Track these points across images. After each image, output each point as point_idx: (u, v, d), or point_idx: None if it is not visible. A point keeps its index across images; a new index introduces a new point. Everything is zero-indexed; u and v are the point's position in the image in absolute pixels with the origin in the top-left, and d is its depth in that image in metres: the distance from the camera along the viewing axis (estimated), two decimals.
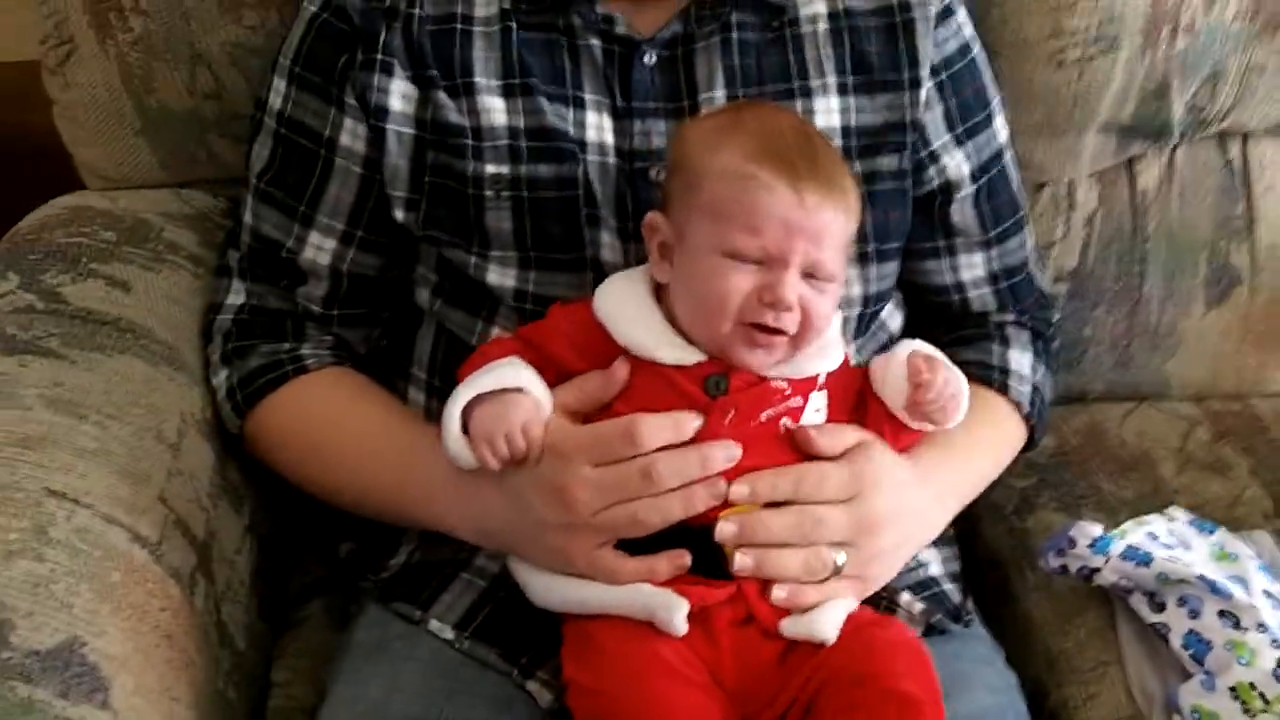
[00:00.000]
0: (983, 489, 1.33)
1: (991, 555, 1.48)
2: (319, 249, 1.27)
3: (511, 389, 1.09)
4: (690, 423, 1.07)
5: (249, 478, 1.34)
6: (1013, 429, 1.34)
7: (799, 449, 1.10)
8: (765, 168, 1.07)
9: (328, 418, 1.26)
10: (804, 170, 1.07)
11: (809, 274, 1.07)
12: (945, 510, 1.25)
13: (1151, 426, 1.61)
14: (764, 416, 1.09)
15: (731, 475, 1.06)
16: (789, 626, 1.06)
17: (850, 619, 1.08)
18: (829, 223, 1.07)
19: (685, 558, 1.06)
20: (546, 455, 1.08)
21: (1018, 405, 1.32)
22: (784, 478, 1.08)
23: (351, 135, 1.23)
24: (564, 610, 1.11)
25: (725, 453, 1.07)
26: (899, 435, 1.15)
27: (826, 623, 1.06)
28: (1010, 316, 1.37)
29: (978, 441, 1.27)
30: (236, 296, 1.30)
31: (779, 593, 1.07)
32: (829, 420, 1.13)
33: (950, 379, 1.12)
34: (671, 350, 1.09)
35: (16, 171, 1.66)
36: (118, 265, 1.35)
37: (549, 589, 1.11)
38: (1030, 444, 1.37)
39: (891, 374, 1.13)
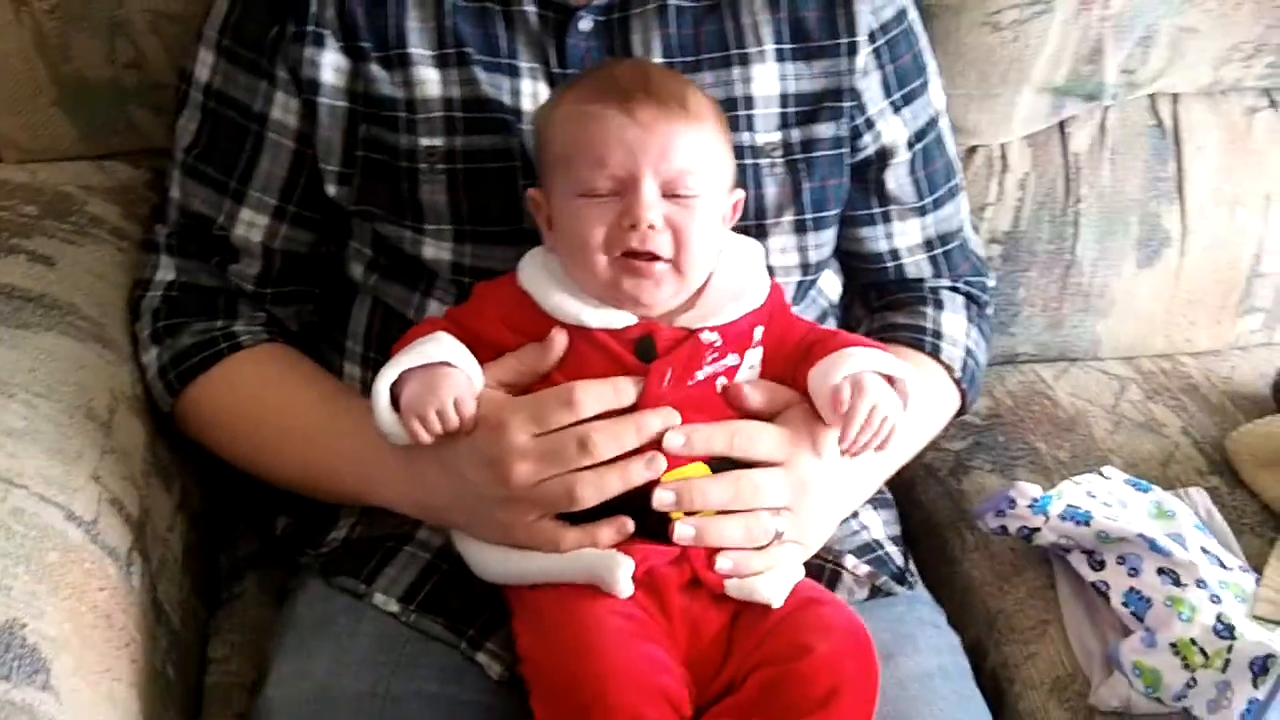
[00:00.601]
0: (915, 452, 1.35)
1: (929, 518, 1.49)
2: (251, 225, 1.24)
3: (439, 363, 1.07)
4: (629, 387, 1.07)
5: (179, 454, 1.32)
6: (946, 392, 1.35)
7: (733, 406, 1.10)
8: (596, 102, 1.08)
9: (261, 396, 1.24)
10: (636, 93, 1.08)
11: (670, 194, 1.07)
12: (878, 473, 1.27)
13: (1084, 387, 1.62)
14: (700, 376, 1.09)
15: None
16: (734, 587, 1.06)
17: (796, 591, 1.08)
18: (671, 135, 1.07)
19: (629, 525, 1.05)
20: (481, 427, 1.07)
21: (949, 368, 1.33)
22: (719, 431, 1.08)
23: (283, 109, 1.21)
24: (508, 582, 1.10)
25: (663, 419, 1.06)
26: None
27: (771, 585, 1.06)
28: (945, 282, 1.38)
29: (918, 409, 1.27)
30: (166, 273, 1.27)
31: (723, 562, 1.07)
32: (763, 379, 1.14)
33: (880, 408, 1.09)
34: (597, 314, 1.08)
35: None
36: (40, 240, 1.33)
37: (492, 561, 1.10)
38: (963, 408, 1.38)
39: (821, 393, 1.11)
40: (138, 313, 1.28)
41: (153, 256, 1.29)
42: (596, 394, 1.06)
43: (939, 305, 1.36)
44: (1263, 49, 1.58)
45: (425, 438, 1.06)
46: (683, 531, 1.06)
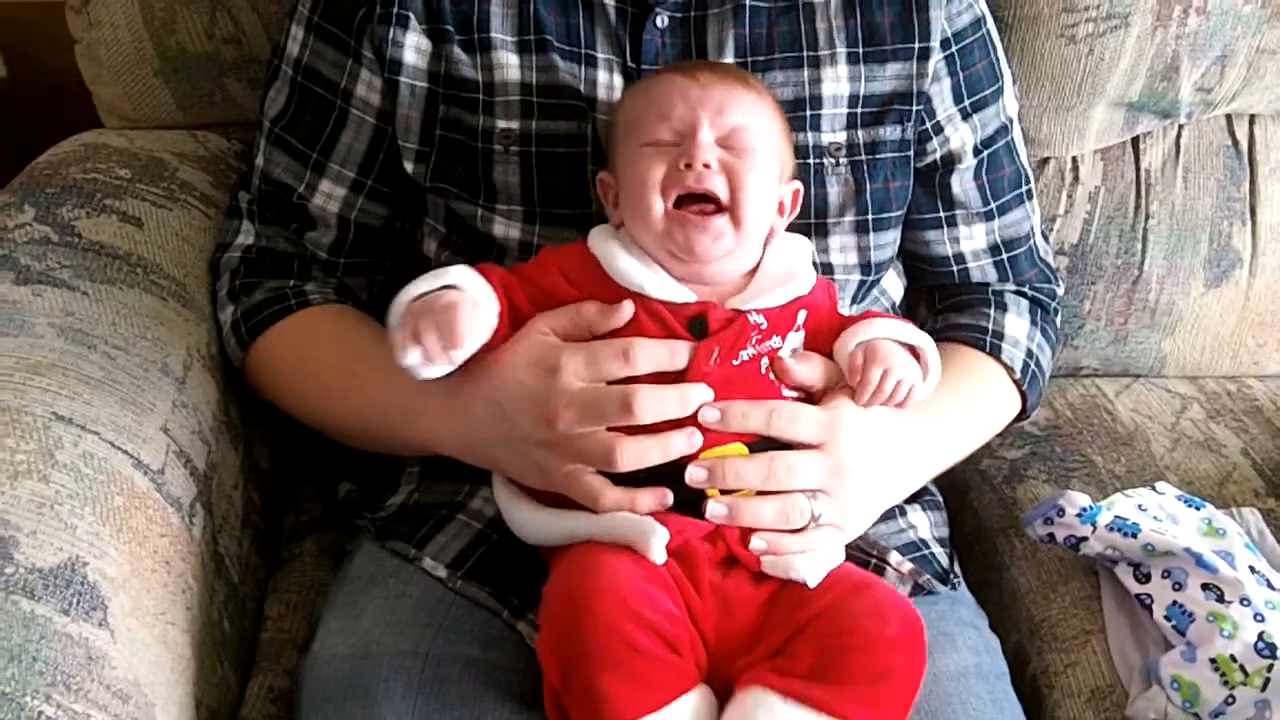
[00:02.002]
0: (970, 450, 1.34)
1: (980, 524, 1.50)
2: (329, 196, 1.29)
3: (449, 285, 1.09)
4: (683, 351, 1.09)
5: (250, 415, 1.36)
6: (1004, 393, 1.35)
7: (780, 380, 1.12)
8: (664, 74, 1.16)
9: (325, 346, 1.27)
10: (697, 65, 1.18)
11: (726, 145, 1.11)
12: (927, 465, 1.27)
13: (1145, 403, 1.62)
14: (745, 356, 1.11)
15: None
16: (769, 564, 1.08)
17: (848, 575, 1.09)
18: (728, 92, 1.13)
19: (668, 497, 1.07)
20: (533, 367, 1.09)
21: (1009, 369, 1.34)
22: (756, 409, 1.09)
23: (367, 87, 1.25)
24: (547, 543, 1.12)
25: (701, 395, 1.08)
26: None
27: (808, 564, 1.07)
28: (1010, 286, 1.39)
29: (967, 402, 1.29)
30: (246, 237, 1.32)
31: (758, 542, 1.08)
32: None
33: (893, 372, 1.11)
34: (658, 285, 1.11)
35: (39, 110, 1.68)
36: (131, 201, 1.38)
37: (531, 522, 1.13)
38: (1024, 412, 1.38)
39: (841, 361, 1.14)
40: (217, 272, 1.33)
41: (235, 221, 1.34)
42: (652, 352, 1.08)
43: (1002, 307, 1.37)
44: None
45: (412, 351, 1.07)
46: (715, 510, 1.07)
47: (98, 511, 1.08)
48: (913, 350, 1.14)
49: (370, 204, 1.29)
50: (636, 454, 1.06)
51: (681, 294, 1.11)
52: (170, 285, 1.31)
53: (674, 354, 1.08)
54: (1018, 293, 1.39)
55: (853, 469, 1.12)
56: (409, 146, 1.25)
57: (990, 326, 1.34)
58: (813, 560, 1.08)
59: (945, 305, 1.39)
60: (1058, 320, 1.45)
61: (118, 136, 1.50)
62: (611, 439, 1.06)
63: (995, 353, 1.34)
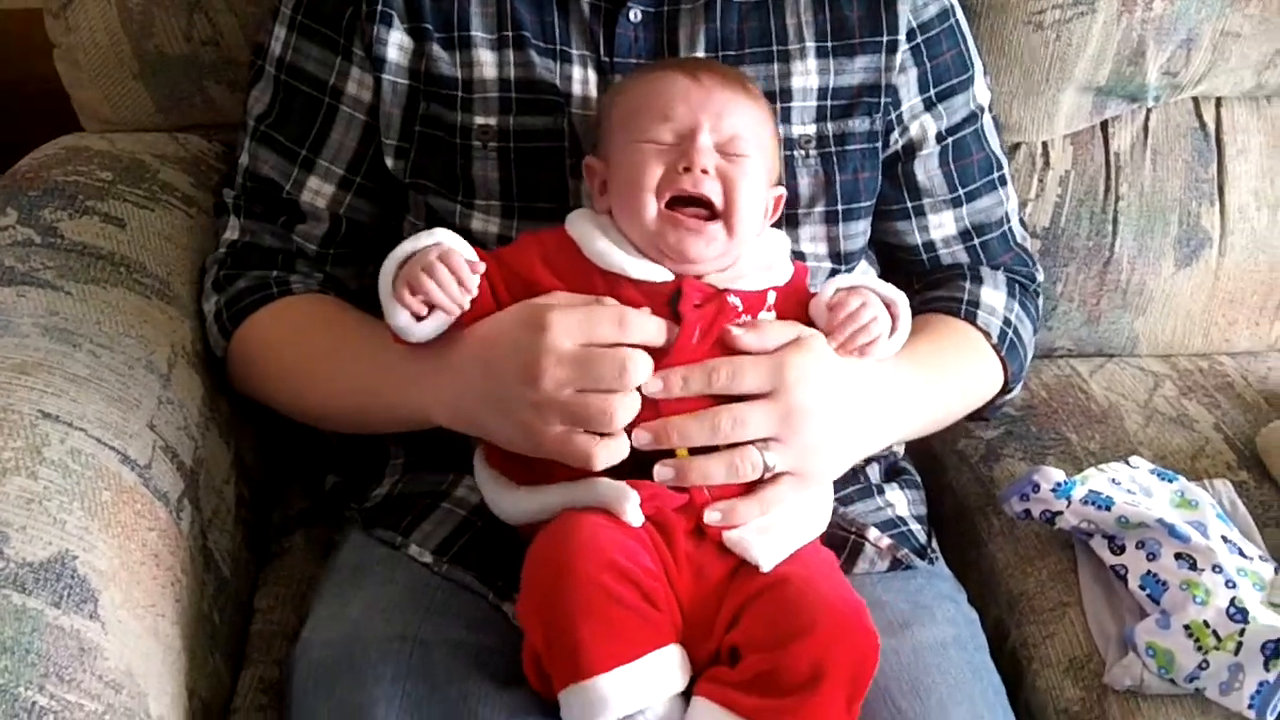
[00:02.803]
0: (951, 410, 1.34)
1: (959, 503, 1.52)
2: (317, 193, 1.30)
3: (434, 244, 1.11)
4: (668, 330, 1.10)
5: (237, 412, 1.38)
6: (983, 356, 1.35)
7: (727, 349, 1.12)
8: (664, 70, 1.17)
9: (308, 328, 1.28)
10: (699, 65, 1.18)
11: (724, 152, 1.13)
12: (901, 416, 1.25)
13: (1119, 382, 1.64)
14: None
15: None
16: (730, 540, 1.10)
17: (795, 559, 1.11)
18: (729, 99, 1.14)
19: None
20: (524, 324, 1.09)
21: (986, 334, 1.34)
22: (695, 371, 1.09)
23: (358, 84, 1.27)
24: (526, 521, 1.14)
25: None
26: None
27: (763, 546, 1.09)
28: (984, 268, 1.41)
29: (943, 359, 1.30)
30: (231, 232, 1.34)
31: (711, 515, 1.09)
32: None
33: (870, 307, 1.14)
34: (638, 266, 1.12)
35: (20, 117, 1.69)
36: (113, 203, 1.39)
37: (510, 500, 1.15)
38: (1007, 384, 1.39)
39: (818, 311, 1.16)
40: (205, 267, 1.35)
41: (223, 218, 1.35)
42: (642, 324, 1.09)
43: (978, 281, 1.38)
44: None
45: (417, 306, 1.09)
46: (661, 473, 1.08)
47: (86, 506, 1.10)
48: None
49: (358, 200, 1.31)
50: (629, 410, 1.07)
51: (660, 273, 1.13)
52: (153, 283, 1.33)
53: (660, 332, 1.09)
54: (993, 268, 1.41)
55: (807, 412, 1.11)
56: (389, 143, 1.27)
57: (965, 297, 1.35)
58: (769, 542, 1.10)
59: (921, 286, 1.41)
60: (1039, 302, 1.46)
61: (99, 139, 1.52)
62: (609, 398, 1.06)
63: (971, 319, 1.34)
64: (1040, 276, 1.47)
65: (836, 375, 1.13)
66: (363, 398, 1.23)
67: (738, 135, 1.14)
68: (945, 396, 1.31)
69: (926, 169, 1.35)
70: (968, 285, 1.37)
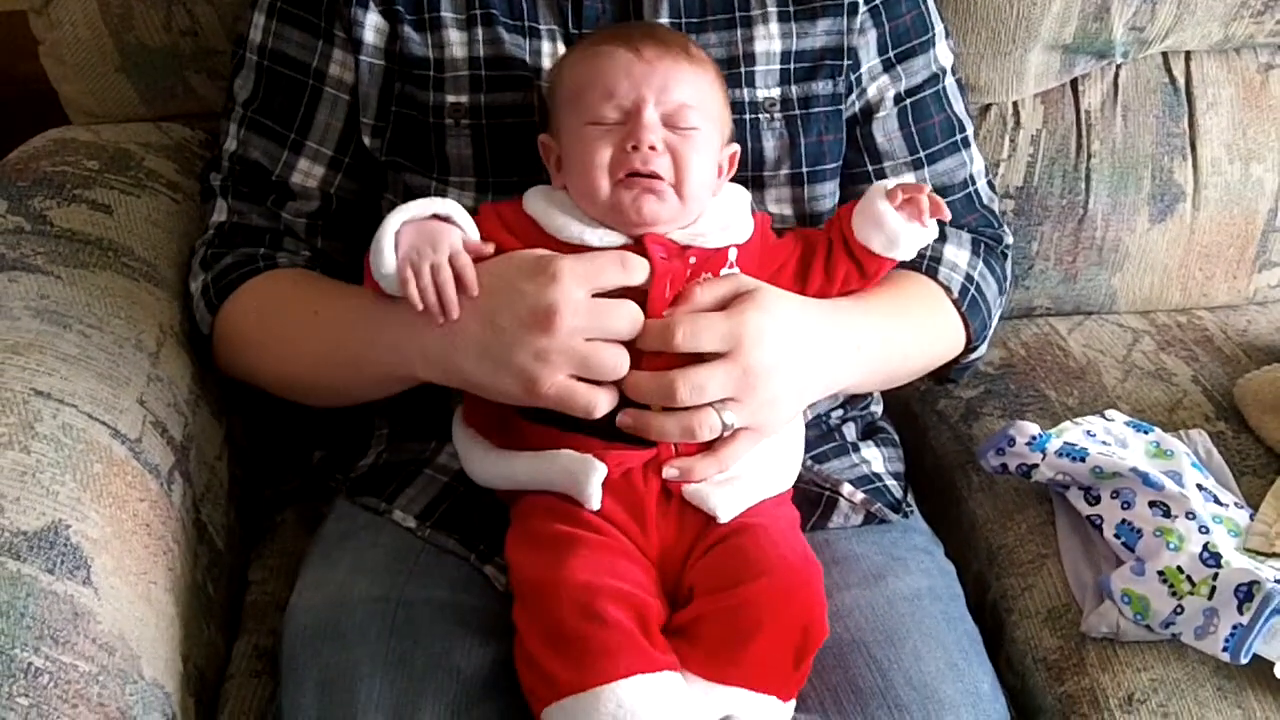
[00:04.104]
0: (907, 358, 1.33)
1: (938, 461, 1.55)
2: (307, 174, 1.33)
3: (441, 215, 1.13)
4: (645, 268, 1.12)
5: (228, 391, 1.41)
6: (943, 311, 1.35)
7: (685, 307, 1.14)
8: (605, 44, 1.17)
9: (289, 297, 1.30)
10: (640, 37, 1.17)
11: (671, 125, 1.15)
12: (858, 361, 1.24)
13: (1097, 338, 1.66)
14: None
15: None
16: (689, 493, 1.13)
17: (753, 512, 1.14)
18: (672, 70, 1.15)
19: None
20: (531, 276, 1.09)
21: (946, 289, 1.35)
22: (653, 326, 1.11)
23: (341, 66, 1.30)
24: (498, 485, 1.18)
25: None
26: (853, 281, 1.23)
27: (721, 498, 1.12)
28: (949, 228, 1.40)
29: (903, 310, 1.30)
30: (219, 215, 1.36)
31: (669, 471, 1.12)
32: None
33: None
34: (596, 234, 1.15)
35: (8, 117, 1.72)
36: (100, 190, 1.43)
37: (485, 462, 1.18)
38: (970, 343, 1.39)
39: (867, 204, 1.19)
40: (193, 249, 1.38)
41: (210, 202, 1.37)
42: (639, 265, 1.11)
43: (942, 239, 1.37)
44: (1271, 6, 1.61)
45: (415, 299, 1.10)
46: (622, 420, 1.11)
47: (78, 478, 1.13)
48: None
49: (347, 180, 1.33)
50: (627, 359, 1.10)
51: (619, 239, 1.15)
52: (141, 266, 1.36)
53: (643, 272, 1.12)
54: (958, 229, 1.41)
55: (764, 371, 1.12)
56: (367, 122, 1.30)
57: (928, 253, 1.35)
58: (728, 494, 1.13)
59: None
60: (1008, 265, 1.46)
61: (85, 131, 1.55)
62: (620, 350, 1.09)
63: (932, 274, 1.35)
64: (1009, 239, 1.46)
65: (792, 329, 1.15)
66: (346, 357, 1.24)
67: (684, 105, 1.15)
68: (903, 344, 1.31)
69: (885, 131, 1.36)
70: (931, 242, 1.38)
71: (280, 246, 1.34)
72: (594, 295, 1.10)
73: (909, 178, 1.36)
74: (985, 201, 1.44)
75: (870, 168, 1.36)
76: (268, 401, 1.40)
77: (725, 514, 1.12)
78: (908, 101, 1.36)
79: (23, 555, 1.05)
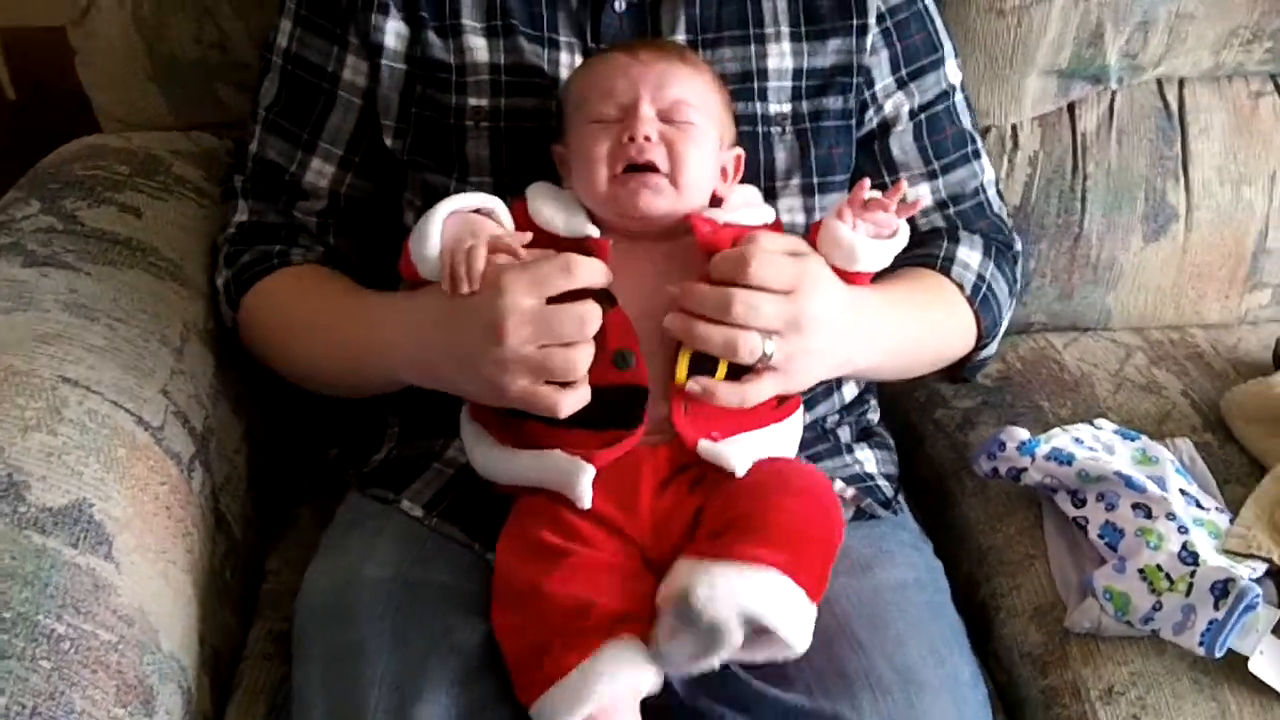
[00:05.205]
0: (921, 349, 1.40)
1: (935, 469, 1.59)
2: (319, 174, 1.39)
3: (484, 210, 1.20)
4: (605, 273, 1.16)
5: (248, 389, 1.47)
6: (957, 307, 1.41)
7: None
8: (607, 53, 1.25)
9: (301, 295, 1.37)
10: (639, 46, 1.26)
11: (667, 120, 1.20)
12: (880, 345, 1.29)
13: (1091, 353, 1.70)
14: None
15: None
16: (705, 447, 1.17)
17: (763, 464, 1.19)
18: (667, 70, 1.22)
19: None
20: (482, 289, 1.14)
21: (960, 287, 1.40)
22: (731, 253, 1.16)
23: (353, 70, 1.36)
24: (499, 480, 1.23)
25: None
26: None
27: (738, 453, 1.17)
28: (961, 232, 1.46)
29: (918, 302, 1.36)
30: (240, 214, 1.43)
31: (694, 386, 1.16)
32: None
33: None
34: (566, 221, 1.21)
35: (46, 130, 1.79)
36: (130, 194, 1.49)
37: (489, 458, 1.23)
38: (980, 341, 1.44)
39: (826, 228, 1.22)
40: (217, 246, 1.44)
41: (232, 202, 1.44)
42: (588, 268, 1.15)
43: (955, 241, 1.43)
44: (1260, 34, 1.66)
45: (464, 286, 1.15)
46: (670, 321, 1.15)
47: (102, 460, 1.19)
48: None
49: (357, 180, 1.40)
50: (588, 358, 1.14)
51: (586, 229, 1.20)
52: (167, 266, 1.42)
53: (602, 274, 1.16)
54: (970, 233, 1.46)
55: (814, 320, 1.17)
56: (388, 124, 1.36)
57: (941, 254, 1.41)
58: (743, 448, 1.17)
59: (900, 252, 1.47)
60: (1018, 269, 1.50)
61: (116, 138, 1.62)
62: (571, 350, 1.13)
63: (945, 272, 1.40)
64: (1018, 245, 1.51)
65: (840, 296, 1.20)
66: (347, 356, 1.32)
67: (680, 101, 1.21)
68: (918, 334, 1.37)
69: (902, 144, 1.42)
70: (945, 244, 1.43)
71: (295, 242, 1.40)
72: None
73: (924, 188, 1.43)
74: (995, 209, 1.49)
75: (888, 178, 1.41)
76: (286, 399, 1.46)
77: (742, 467, 1.16)
78: (921, 116, 1.42)
79: (48, 530, 1.11)
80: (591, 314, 1.14)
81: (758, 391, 1.18)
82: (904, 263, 1.39)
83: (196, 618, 1.25)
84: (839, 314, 1.20)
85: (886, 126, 1.41)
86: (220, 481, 1.36)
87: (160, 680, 1.13)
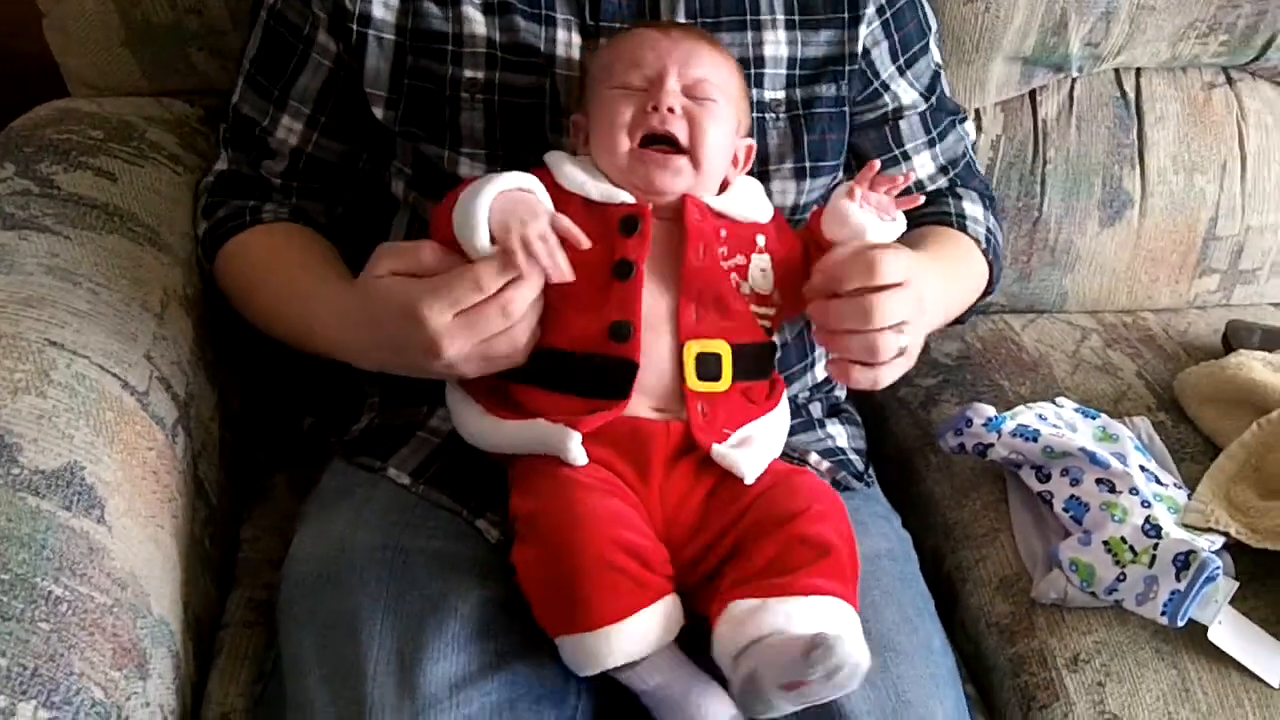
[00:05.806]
0: (962, 305, 1.49)
1: (899, 444, 1.63)
2: (289, 129, 1.40)
3: (528, 189, 1.19)
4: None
5: (222, 356, 1.47)
6: (977, 262, 1.49)
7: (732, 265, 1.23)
8: (638, 28, 1.28)
9: (267, 260, 1.38)
10: (670, 24, 1.30)
11: (690, 95, 1.23)
12: (940, 312, 1.37)
13: (1049, 334, 1.76)
14: (722, 253, 1.22)
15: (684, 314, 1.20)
16: (719, 452, 1.19)
17: (772, 469, 1.21)
18: (694, 48, 1.25)
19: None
20: (402, 319, 1.15)
21: (976, 241, 1.48)
22: (855, 266, 1.18)
23: (325, 36, 1.36)
24: (489, 449, 1.24)
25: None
26: None
27: (749, 461, 1.19)
28: (960, 188, 1.53)
29: (956, 261, 1.45)
30: (221, 163, 1.44)
31: (834, 370, 1.21)
32: (777, 286, 1.26)
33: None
34: (599, 188, 1.22)
35: (12, 93, 1.76)
36: (105, 159, 1.48)
37: (478, 426, 1.25)
38: (990, 284, 1.52)
39: (833, 203, 1.25)
40: (198, 192, 1.46)
41: (219, 150, 1.45)
42: (493, 273, 1.15)
43: (958, 197, 1.51)
44: (1215, 28, 1.71)
45: (524, 266, 1.14)
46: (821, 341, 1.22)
47: (92, 424, 1.19)
48: None
49: (325, 140, 1.40)
50: (526, 332, 1.18)
51: (620, 195, 1.22)
52: (145, 232, 1.41)
53: (506, 272, 1.15)
54: (968, 190, 1.53)
55: (929, 300, 1.22)
56: (378, 94, 1.35)
57: (954, 210, 1.49)
58: (753, 456, 1.20)
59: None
60: (999, 216, 1.59)
61: (88, 103, 1.59)
62: (508, 335, 1.16)
63: (963, 228, 1.48)
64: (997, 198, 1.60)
65: (929, 271, 1.25)
66: (297, 333, 1.34)
67: (704, 80, 1.24)
68: (960, 290, 1.47)
69: (910, 124, 1.48)
70: (952, 201, 1.50)
71: (268, 198, 1.41)
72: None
73: (926, 155, 1.50)
74: (977, 168, 1.58)
75: (897, 151, 1.48)
76: (260, 366, 1.46)
77: (753, 474, 1.19)
78: (932, 98, 1.48)
79: (41, 492, 1.11)
80: (514, 300, 1.15)
81: (889, 375, 1.21)
82: (922, 220, 1.46)
83: (181, 583, 1.25)
84: (935, 290, 1.26)
85: (900, 111, 1.47)
86: (199, 448, 1.36)
87: (153, 644, 1.13)
